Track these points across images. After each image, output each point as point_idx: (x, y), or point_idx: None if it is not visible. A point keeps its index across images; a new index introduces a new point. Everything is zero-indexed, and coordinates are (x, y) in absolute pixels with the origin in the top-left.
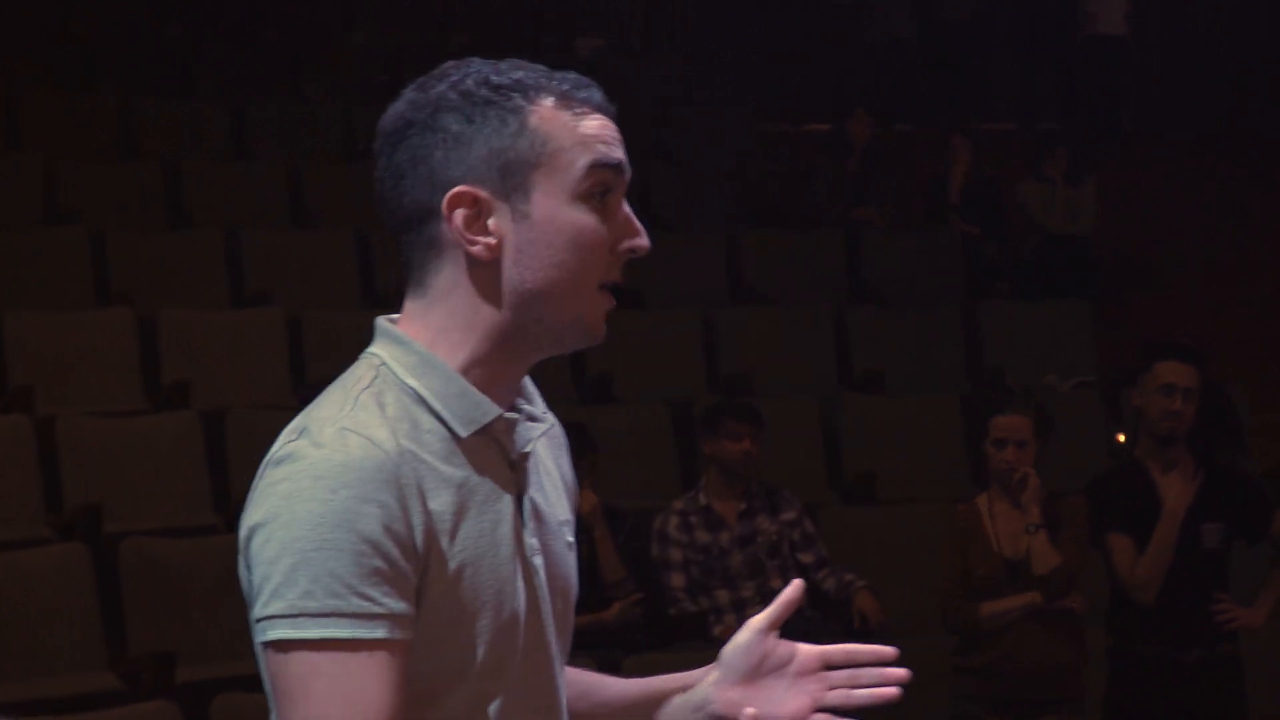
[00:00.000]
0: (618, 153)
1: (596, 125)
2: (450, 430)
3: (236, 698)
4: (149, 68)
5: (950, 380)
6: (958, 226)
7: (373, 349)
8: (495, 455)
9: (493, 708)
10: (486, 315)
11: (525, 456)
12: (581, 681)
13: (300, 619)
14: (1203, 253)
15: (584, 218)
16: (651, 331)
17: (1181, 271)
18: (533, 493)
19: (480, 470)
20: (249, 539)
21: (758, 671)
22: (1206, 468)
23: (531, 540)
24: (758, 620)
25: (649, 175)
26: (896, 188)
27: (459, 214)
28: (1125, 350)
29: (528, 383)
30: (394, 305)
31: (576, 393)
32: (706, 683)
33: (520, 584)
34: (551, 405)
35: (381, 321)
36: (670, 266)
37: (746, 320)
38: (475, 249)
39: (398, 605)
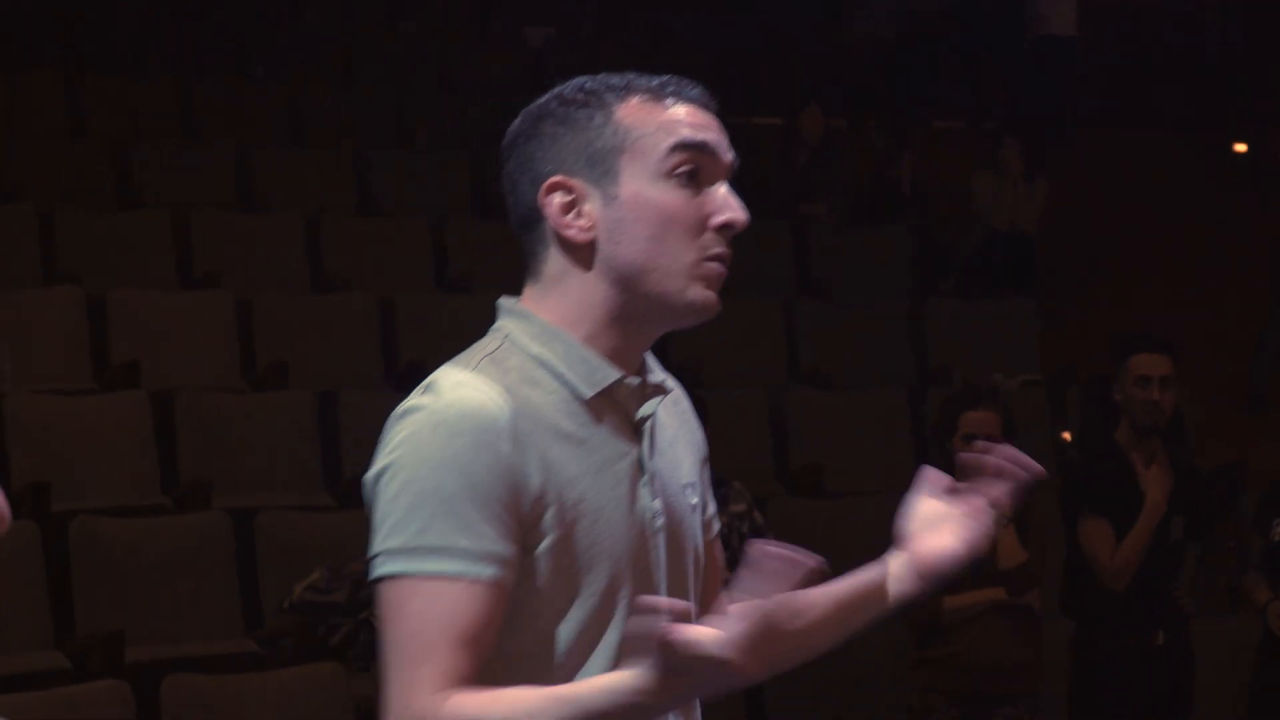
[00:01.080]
0: (704, 135)
1: (684, 112)
2: (574, 392)
3: (185, 677)
4: (97, 46)
5: (897, 375)
6: (910, 222)
7: (497, 324)
8: (618, 418)
9: (601, 657)
10: (598, 294)
11: (646, 420)
12: None
13: (416, 553)
14: (1148, 251)
15: (669, 194)
16: None
17: (1127, 270)
18: (655, 456)
19: (604, 431)
20: (374, 482)
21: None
22: (1177, 462)
23: (653, 502)
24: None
25: None
26: (846, 183)
27: (554, 200)
28: (1071, 349)
29: (648, 357)
30: (342, 288)
31: None
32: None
33: (636, 544)
34: None
35: (505, 300)
36: None
37: None
38: (570, 232)
39: (504, 548)
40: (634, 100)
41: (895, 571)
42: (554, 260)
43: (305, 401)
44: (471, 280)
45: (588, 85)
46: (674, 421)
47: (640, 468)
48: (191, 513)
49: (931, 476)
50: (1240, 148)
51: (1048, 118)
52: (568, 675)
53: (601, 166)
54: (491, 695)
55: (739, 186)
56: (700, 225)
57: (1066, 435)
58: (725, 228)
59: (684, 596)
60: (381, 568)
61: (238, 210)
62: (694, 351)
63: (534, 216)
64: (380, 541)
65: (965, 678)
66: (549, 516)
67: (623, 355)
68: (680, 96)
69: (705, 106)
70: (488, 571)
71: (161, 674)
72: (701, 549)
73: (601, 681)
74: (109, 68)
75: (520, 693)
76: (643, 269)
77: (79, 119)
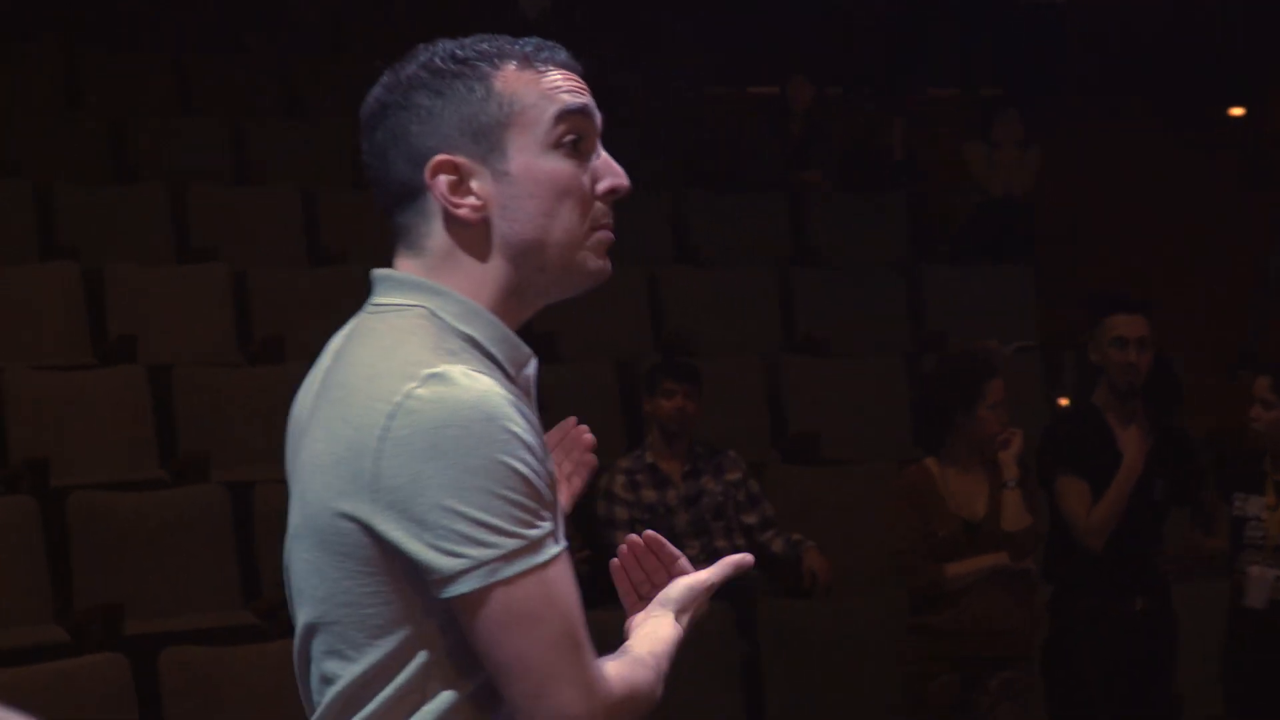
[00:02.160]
0: (583, 99)
1: (559, 77)
2: (504, 371)
3: (183, 650)
4: (96, 21)
5: (893, 342)
6: (901, 190)
7: (406, 300)
8: (521, 392)
9: None
10: (492, 270)
11: (529, 392)
12: None
13: (530, 550)
14: (1142, 217)
15: (560, 165)
16: (597, 291)
17: (1121, 236)
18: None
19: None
20: (417, 488)
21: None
22: (1158, 424)
23: (553, 467)
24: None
25: None
26: (839, 151)
27: (441, 181)
28: (1066, 315)
29: None
30: (338, 262)
31: None
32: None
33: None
34: None
35: (399, 274)
36: (616, 227)
37: (691, 281)
38: (462, 212)
39: (559, 519)
40: (510, 68)
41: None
42: (439, 236)
43: (302, 375)
44: None
45: (458, 53)
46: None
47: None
48: (189, 486)
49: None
50: (1236, 112)
51: (1041, 85)
52: None
53: (488, 142)
54: (621, 662)
55: (735, 155)
56: (590, 194)
57: (1063, 401)
58: (610, 193)
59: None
60: (501, 572)
61: (234, 184)
62: (691, 319)
63: (411, 191)
64: (487, 548)
65: (964, 643)
66: None
67: (515, 327)
68: (552, 61)
69: (575, 69)
70: (564, 543)
71: (160, 646)
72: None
73: (659, 633)
74: (107, 43)
75: (634, 656)
76: (539, 243)
77: (76, 93)
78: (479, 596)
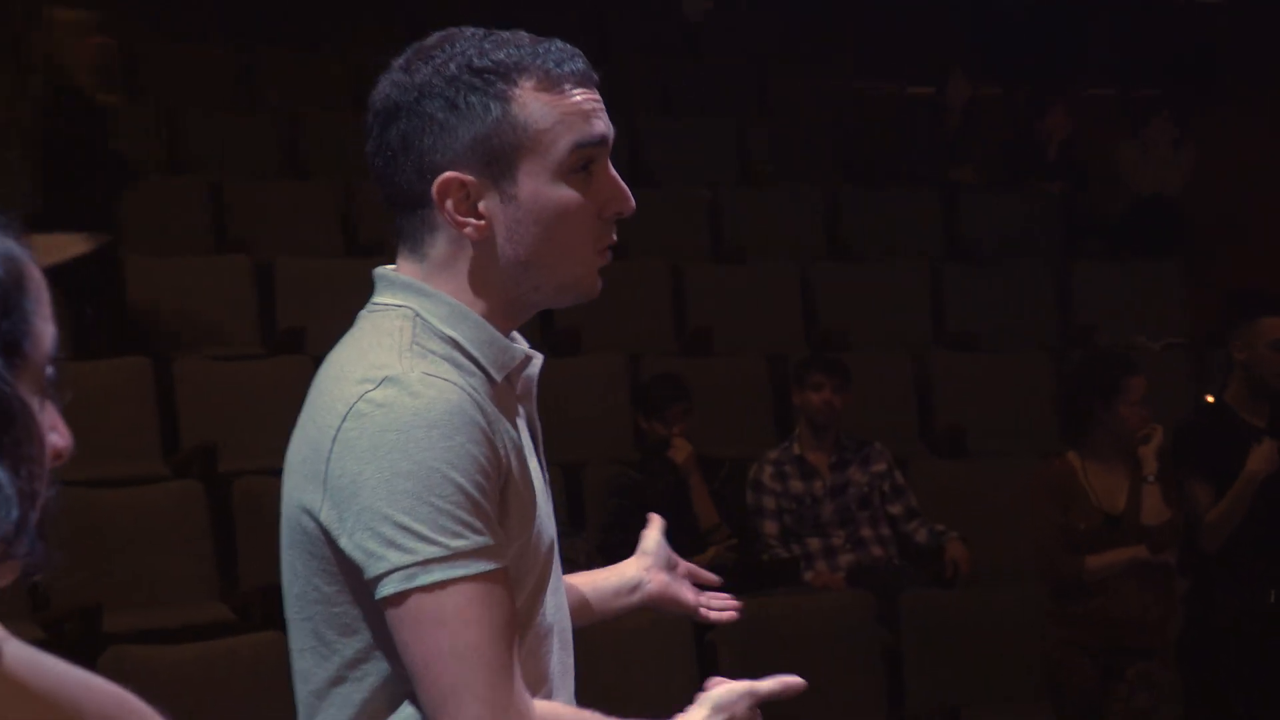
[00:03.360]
0: (599, 126)
1: (578, 100)
2: (485, 374)
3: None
4: (267, 20)
5: (1041, 337)
6: (1054, 187)
7: (396, 300)
8: (510, 393)
9: (541, 606)
10: (488, 283)
11: (529, 391)
12: None
13: (458, 559)
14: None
15: (567, 194)
16: (750, 286)
17: (1272, 234)
18: (536, 429)
19: (506, 409)
20: (360, 489)
21: (666, 564)
22: None
23: (542, 471)
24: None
25: (750, 131)
26: (993, 148)
27: (449, 199)
28: (1215, 311)
29: None
30: None
31: (677, 345)
32: (636, 567)
33: (544, 510)
34: (651, 358)
35: (392, 274)
36: (770, 222)
37: (843, 276)
38: (466, 230)
39: (502, 534)
40: (527, 87)
41: (628, 581)
42: (440, 247)
43: None
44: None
45: (475, 62)
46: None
47: (531, 434)
48: None
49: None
50: None
51: (1196, 84)
52: (524, 625)
53: (499, 165)
54: (566, 711)
55: (889, 155)
56: (595, 217)
57: (1209, 397)
58: (617, 215)
59: (563, 551)
60: (419, 578)
61: None
62: (843, 314)
63: (416, 199)
64: (411, 554)
65: (1104, 632)
66: (504, 498)
67: (510, 330)
68: (572, 78)
69: (592, 81)
70: (507, 560)
71: None
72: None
73: None
74: (280, 41)
75: (580, 713)
76: (537, 265)
77: (251, 91)
78: (397, 600)
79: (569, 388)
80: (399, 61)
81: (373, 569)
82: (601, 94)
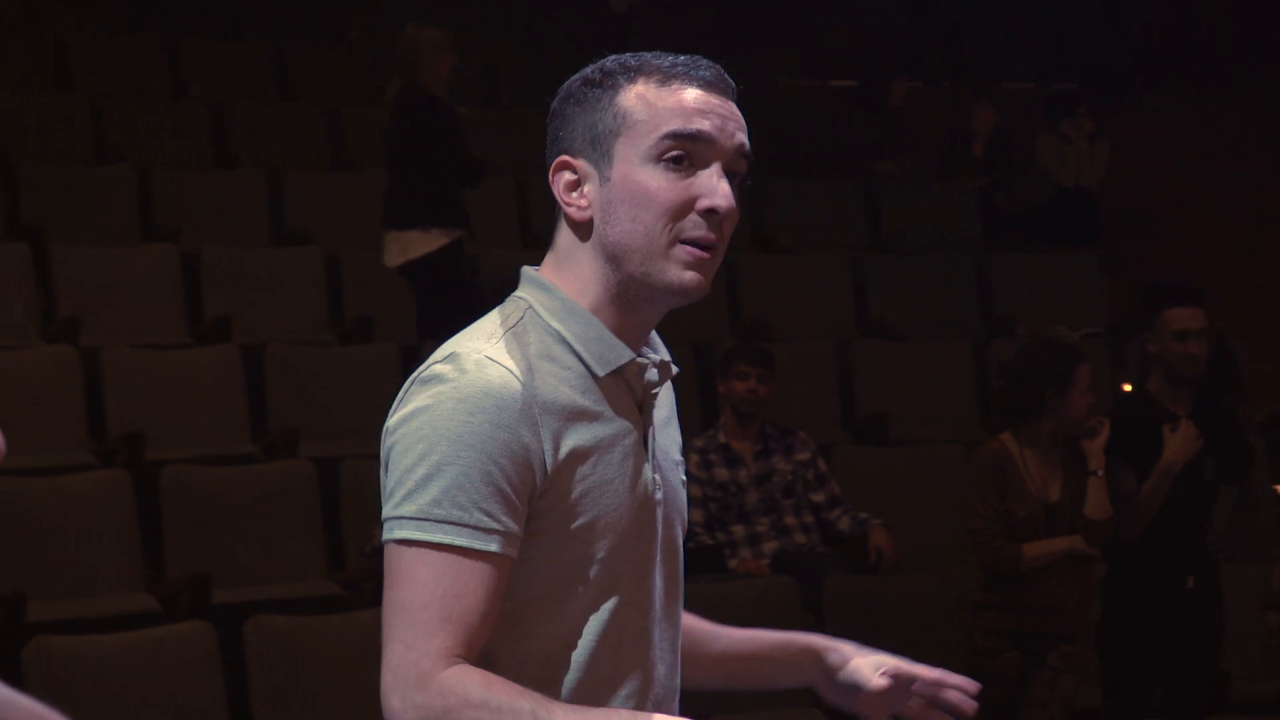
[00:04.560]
0: (698, 123)
1: (687, 98)
2: (589, 369)
3: (268, 619)
4: (197, 13)
5: (962, 327)
6: (978, 181)
7: (520, 293)
8: (625, 396)
9: (598, 618)
10: (596, 270)
11: (652, 398)
12: (697, 629)
13: (426, 523)
14: (1206, 206)
15: (654, 178)
16: None
17: (1186, 224)
18: (656, 433)
19: (613, 408)
20: (392, 446)
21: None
22: (1209, 405)
23: (653, 476)
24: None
25: None
26: (918, 143)
27: (559, 179)
28: (1133, 301)
29: (654, 336)
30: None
31: None
32: (866, 666)
33: (637, 514)
34: None
35: (528, 270)
36: None
37: (767, 267)
38: (571, 210)
39: (511, 525)
40: (640, 83)
41: (820, 666)
42: (564, 234)
43: (390, 355)
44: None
45: (607, 65)
46: (668, 400)
47: (644, 444)
48: (279, 461)
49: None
50: None
51: (1111, 78)
52: (568, 636)
53: (601, 148)
54: (491, 679)
55: (813, 146)
56: (683, 209)
57: (1126, 386)
58: (709, 212)
59: (674, 565)
60: (394, 531)
61: (329, 170)
62: (767, 304)
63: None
64: (395, 506)
65: (1029, 619)
66: (557, 490)
67: (626, 331)
68: (689, 79)
69: (717, 89)
70: (493, 546)
71: (246, 615)
72: (686, 522)
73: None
74: (208, 32)
75: (518, 689)
76: (627, 249)
77: (179, 82)
78: (386, 547)
79: None
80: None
81: (383, 515)
82: (737, 110)
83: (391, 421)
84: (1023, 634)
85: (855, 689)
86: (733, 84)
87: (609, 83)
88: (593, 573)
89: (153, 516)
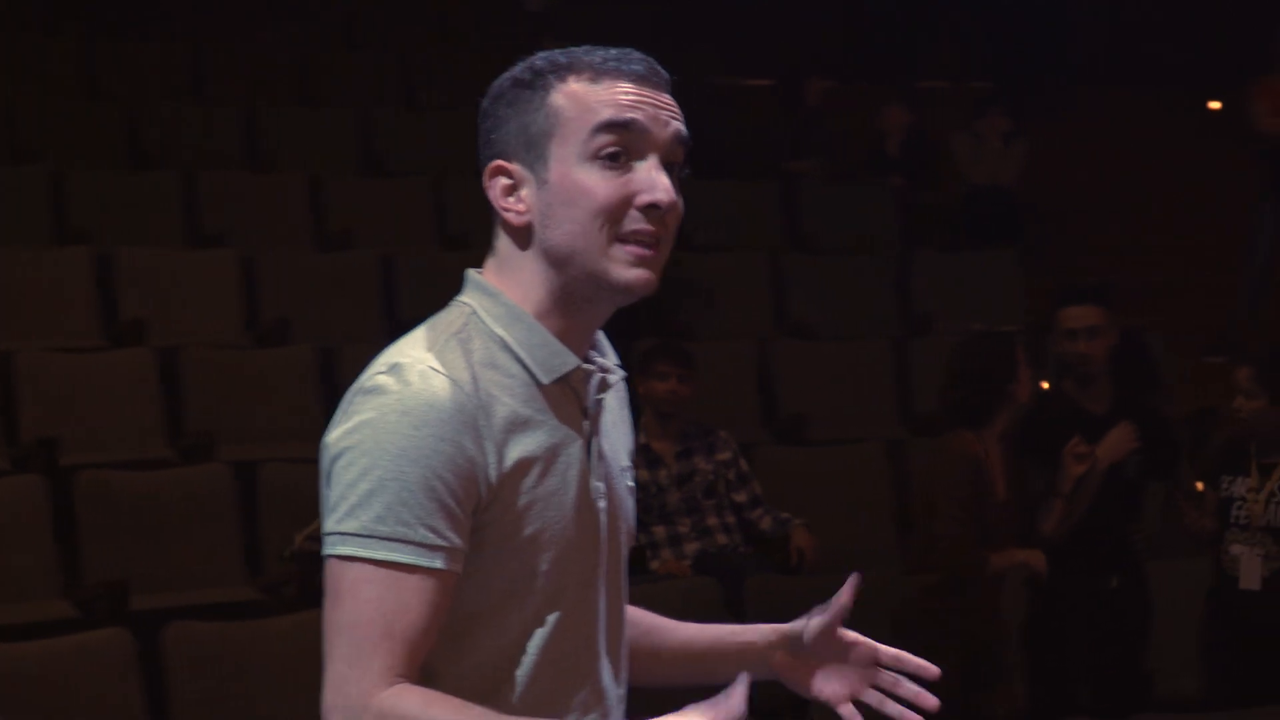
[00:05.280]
0: (631, 113)
1: (616, 91)
2: (533, 377)
3: (188, 625)
4: (111, 10)
5: (881, 326)
6: (895, 180)
7: (463, 298)
8: (571, 403)
9: (543, 631)
10: (540, 274)
11: (598, 405)
12: (646, 622)
13: (369, 540)
14: (1128, 205)
15: (591, 176)
16: None
17: (1104, 222)
18: (601, 440)
19: (558, 416)
20: (334, 459)
21: (826, 656)
22: (1129, 403)
23: (598, 484)
24: (826, 620)
25: None
26: (835, 142)
27: (495, 185)
28: (1050, 300)
29: (601, 337)
30: (345, 247)
31: None
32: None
33: (582, 525)
34: None
35: (472, 273)
36: None
37: (686, 267)
38: (509, 216)
39: (456, 540)
40: (571, 80)
41: (768, 657)
42: (503, 240)
43: (307, 357)
44: (469, 238)
45: (537, 64)
46: (615, 404)
47: (588, 451)
48: (196, 465)
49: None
50: (1215, 105)
51: (1029, 77)
52: (511, 650)
53: (535, 150)
54: (431, 696)
55: (730, 145)
56: (622, 206)
57: (1044, 384)
58: (650, 208)
59: (618, 573)
60: (337, 547)
61: (245, 171)
62: (685, 304)
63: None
64: (337, 522)
65: (972, 632)
66: (502, 501)
67: (572, 334)
68: (621, 73)
69: (650, 81)
70: (437, 562)
71: (164, 622)
72: (634, 529)
73: None
74: (122, 32)
75: (460, 704)
76: (569, 251)
77: (93, 82)
78: (328, 563)
79: None
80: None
81: (323, 529)
82: (676, 101)
83: (333, 436)
84: (967, 649)
85: (810, 662)
86: (666, 75)
87: (540, 82)
88: (536, 585)
89: (68, 522)
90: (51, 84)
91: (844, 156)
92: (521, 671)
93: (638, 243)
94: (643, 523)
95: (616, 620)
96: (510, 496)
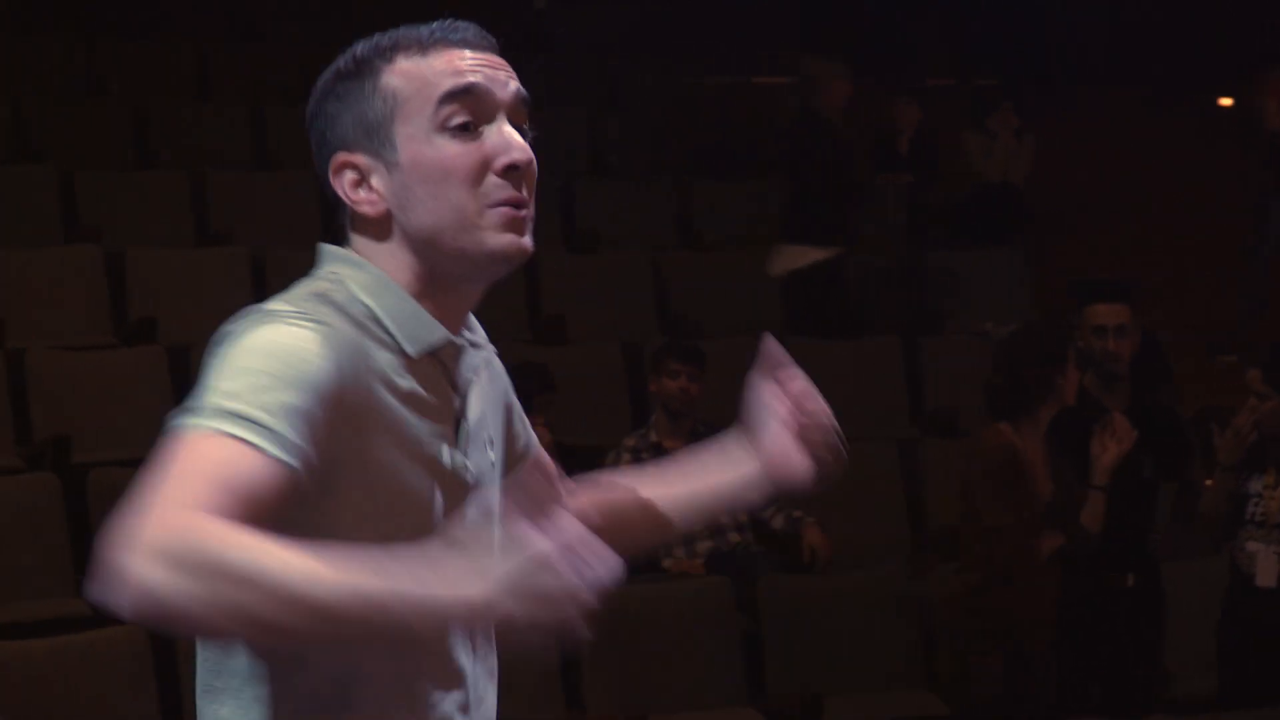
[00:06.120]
0: (469, 78)
1: (446, 59)
2: (400, 347)
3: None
4: (117, 11)
5: (891, 324)
6: (903, 178)
7: (328, 268)
8: (439, 377)
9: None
10: (404, 262)
11: (469, 382)
12: (602, 498)
13: (221, 413)
14: (1131, 201)
15: (446, 147)
16: (604, 275)
17: (1111, 220)
18: (470, 415)
19: (424, 388)
20: (207, 365)
21: (774, 414)
22: (1144, 401)
23: (462, 460)
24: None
25: (602, 124)
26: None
27: (343, 179)
28: (1060, 297)
29: (471, 317)
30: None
31: (530, 333)
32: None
33: (442, 496)
34: (505, 346)
35: (329, 246)
36: (623, 212)
37: (695, 265)
38: (363, 208)
39: (302, 442)
40: (399, 60)
41: (752, 479)
42: (357, 237)
43: None
44: None
45: (359, 52)
46: (486, 380)
47: (456, 424)
48: None
49: (774, 359)
50: (1224, 102)
51: (1035, 74)
52: (358, 656)
53: (379, 137)
54: (251, 538)
55: (737, 143)
56: (481, 171)
57: None
58: (510, 169)
59: (485, 548)
60: (180, 419)
61: (252, 169)
62: (695, 303)
63: (333, 192)
64: (187, 404)
65: (1012, 630)
66: (357, 449)
67: (444, 314)
68: (449, 42)
69: (480, 46)
70: (284, 455)
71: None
72: (499, 502)
73: (403, 572)
74: (128, 32)
75: (286, 552)
76: (436, 229)
77: (100, 81)
78: (171, 432)
79: None
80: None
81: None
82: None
83: (206, 357)
84: (1005, 647)
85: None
86: (493, 39)
87: (366, 69)
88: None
89: (81, 520)
90: (57, 84)
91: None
92: (368, 682)
93: (505, 205)
94: None
95: None
96: (365, 447)
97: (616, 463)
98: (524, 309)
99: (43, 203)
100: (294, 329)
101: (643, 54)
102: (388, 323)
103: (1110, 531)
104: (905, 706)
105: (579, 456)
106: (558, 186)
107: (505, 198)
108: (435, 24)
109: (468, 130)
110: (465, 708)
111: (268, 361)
